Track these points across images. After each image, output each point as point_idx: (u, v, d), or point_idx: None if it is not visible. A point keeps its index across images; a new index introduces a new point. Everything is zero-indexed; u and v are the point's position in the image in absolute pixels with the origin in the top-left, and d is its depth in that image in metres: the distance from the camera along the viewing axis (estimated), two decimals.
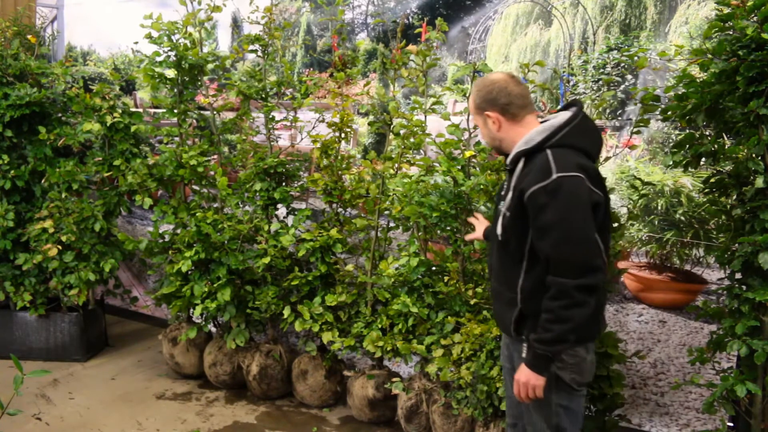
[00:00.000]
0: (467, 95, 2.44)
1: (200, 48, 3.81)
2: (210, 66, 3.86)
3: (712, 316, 2.44)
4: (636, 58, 2.61)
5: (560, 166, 1.84)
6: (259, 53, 3.75)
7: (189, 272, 3.68)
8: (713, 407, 2.37)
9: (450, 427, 3.03)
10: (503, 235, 2.02)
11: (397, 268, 3.18)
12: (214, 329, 4.05)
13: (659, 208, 3.13)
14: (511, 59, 3.62)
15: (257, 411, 3.62)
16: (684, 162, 2.42)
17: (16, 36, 4.29)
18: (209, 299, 3.52)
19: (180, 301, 3.61)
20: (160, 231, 3.93)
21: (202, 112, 4.05)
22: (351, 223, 3.52)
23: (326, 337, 3.35)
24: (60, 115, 4.27)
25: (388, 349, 3.15)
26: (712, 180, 2.45)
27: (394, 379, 3.22)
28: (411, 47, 3.21)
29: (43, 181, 4.09)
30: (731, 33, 2.21)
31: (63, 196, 3.95)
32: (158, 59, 3.74)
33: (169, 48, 3.71)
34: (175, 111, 3.85)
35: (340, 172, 3.51)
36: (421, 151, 3.31)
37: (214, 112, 3.91)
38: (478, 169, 2.98)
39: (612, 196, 3.06)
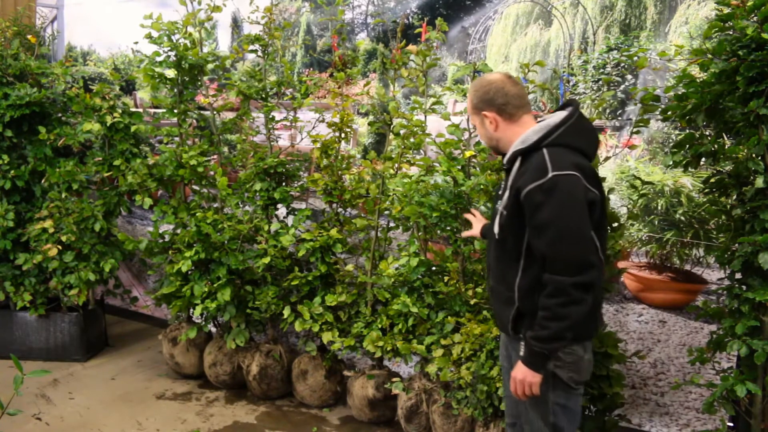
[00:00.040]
0: (467, 95, 2.44)
1: (200, 48, 3.81)
2: (210, 66, 3.86)
3: (712, 316, 2.44)
4: (636, 58, 2.61)
5: (556, 165, 1.86)
6: (259, 53, 3.75)
7: (189, 272, 3.68)
8: (713, 407, 2.37)
9: (450, 427, 3.03)
10: (500, 234, 2.04)
11: (397, 268, 3.18)
12: (214, 329, 4.05)
13: (659, 208, 3.13)
14: (511, 59, 3.62)
15: (257, 411, 3.62)
16: (684, 162, 2.43)
17: (16, 36, 4.29)
18: (209, 299, 3.52)
19: (180, 301, 3.61)
20: (160, 231, 3.93)
21: (202, 112, 4.05)
22: (351, 223, 3.52)
23: (326, 337, 3.35)
24: (60, 115, 4.27)
25: (388, 349, 3.15)
26: (712, 180, 2.45)
27: (394, 379, 3.22)
28: (411, 47, 3.21)
29: (43, 181, 4.09)
30: (731, 33, 2.21)
31: (63, 196, 3.95)
32: (158, 59, 3.74)
33: (169, 48, 3.72)
34: (175, 111, 3.85)
35: (340, 172, 3.51)
36: (421, 151, 3.31)
37: (214, 112, 3.91)
38: (478, 169, 2.98)
39: (612, 196, 3.06)
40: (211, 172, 3.88)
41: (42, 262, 3.89)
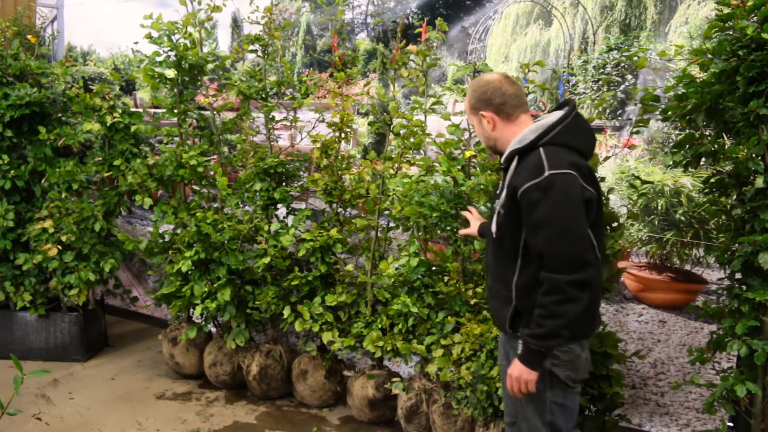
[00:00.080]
0: (466, 95, 2.45)
1: (200, 48, 3.81)
2: (210, 66, 3.86)
3: (712, 316, 2.44)
4: (636, 58, 2.61)
5: (552, 164, 1.87)
6: (259, 53, 3.75)
7: (189, 272, 3.68)
8: (713, 407, 2.37)
9: (450, 427, 3.03)
10: (498, 233, 2.05)
11: (397, 268, 3.18)
12: (214, 329, 4.05)
13: (659, 208, 3.13)
14: (511, 59, 3.62)
15: (257, 411, 3.62)
16: (684, 162, 2.42)
17: (16, 36, 4.29)
18: (209, 299, 3.52)
19: (180, 301, 3.61)
20: (160, 231, 3.93)
21: (202, 112, 4.05)
22: (351, 223, 3.52)
23: (326, 337, 3.35)
24: (60, 115, 4.27)
25: (388, 349, 3.15)
26: (712, 180, 2.44)
27: (394, 379, 3.22)
28: (411, 47, 3.21)
29: (43, 181, 4.09)
30: (731, 33, 2.21)
31: (63, 196, 3.95)
32: (158, 59, 3.74)
33: (169, 48, 3.71)
34: (175, 111, 3.85)
35: (340, 172, 3.51)
36: (421, 151, 3.31)
37: (214, 112, 3.91)
38: (478, 169, 2.98)
39: (612, 196, 3.06)
40: (211, 172, 3.88)
41: (42, 262, 3.89)
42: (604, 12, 3.27)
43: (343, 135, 3.53)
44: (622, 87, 3.22)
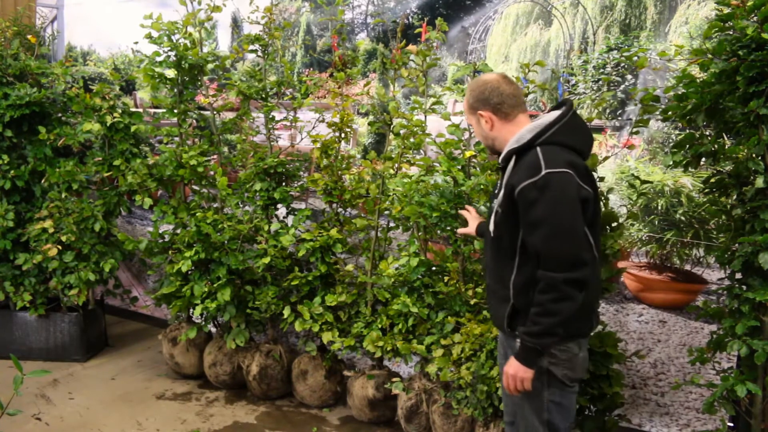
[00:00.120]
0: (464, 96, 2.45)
1: (200, 48, 3.80)
2: (210, 66, 3.86)
3: (712, 316, 2.44)
4: (636, 58, 2.61)
5: (549, 163, 1.88)
6: (259, 53, 3.75)
7: (189, 272, 3.68)
8: (713, 407, 2.37)
9: (450, 427, 3.03)
10: (496, 232, 2.06)
11: (397, 268, 3.18)
12: (214, 329, 4.05)
13: (659, 208, 3.13)
14: (511, 59, 3.62)
15: (257, 411, 3.61)
16: (684, 162, 2.42)
17: (16, 36, 4.29)
18: (209, 299, 3.52)
19: (180, 301, 3.61)
20: (160, 231, 3.92)
21: (202, 112, 4.05)
22: (351, 223, 3.52)
23: (326, 337, 3.35)
24: (60, 115, 4.27)
25: (388, 349, 3.15)
26: (712, 180, 2.44)
27: (394, 379, 3.22)
28: (411, 47, 3.21)
29: (43, 181, 4.08)
30: (731, 33, 2.21)
31: (63, 196, 3.95)
32: (158, 59, 3.74)
33: (169, 48, 3.71)
34: (175, 111, 3.84)
35: (340, 172, 3.51)
36: (421, 151, 3.31)
37: (214, 112, 3.91)
38: (478, 169, 2.98)
39: (612, 196, 3.06)
40: (211, 172, 3.88)
41: (42, 262, 3.89)
42: (604, 12, 3.27)
43: (343, 135, 3.53)
44: (622, 87, 3.22)
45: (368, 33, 4.13)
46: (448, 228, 3.00)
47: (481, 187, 2.82)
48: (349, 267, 3.42)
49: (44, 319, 4.13)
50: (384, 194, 3.28)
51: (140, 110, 4.28)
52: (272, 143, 3.79)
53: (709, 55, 2.26)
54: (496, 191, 2.11)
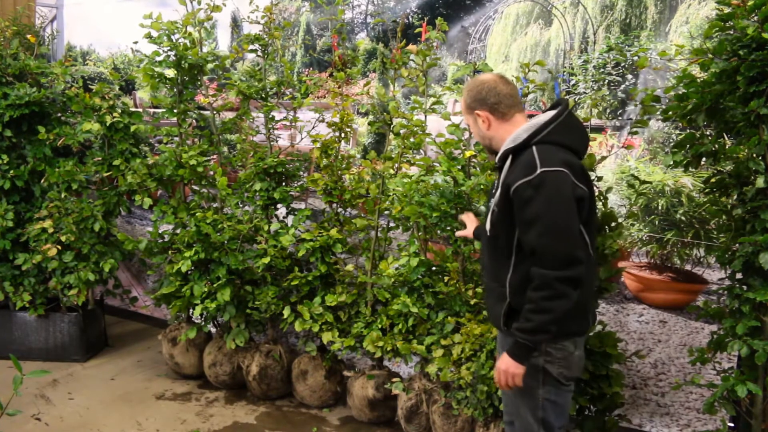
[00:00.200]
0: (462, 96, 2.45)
1: (200, 48, 3.80)
2: (210, 66, 3.85)
3: (712, 316, 2.44)
4: (636, 57, 2.60)
5: (544, 162, 1.89)
6: (259, 53, 3.75)
7: (189, 272, 3.68)
8: (714, 407, 2.37)
9: (450, 427, 3.02)
10: (492, 231, 2.07)
11: (397, 268, 3.18)
12: (213, 329, 4.04)
13: (660, 208, 3.12)
14: (511, 59, 3.62)
15: (257, 411, 3.61)
16: (684, 162, 2.42)
17: (15, 35, 4.29)
18: (209, 299, 3.51)
19: (180, 301, 3.61)
20: (160, 231, 3.92)
21: (201, 111, 4.05)
22: (351, 223, 3.51)
23: (326, 337, 3.34)
24: (59, 114, 4.26)
25: (388, 349, 3.15)
26: (713, 180, 2.44)
27: (394, 380, 3.22)
28: (411, 47, 3.21)
29: (42, 181, 4.08)
30: (732, 33, 2.21)
31: (62, 196, 3.94)
32: (158, 59, 3.74)
33: (168, 48, 3.71)
34: (175, 111, 3.84)
35: (340, 172, 3.51)
36: (421, 151, 3.30)
37: (214, 112, 3.91)
38: (478, 169, 2.98)
39: (611, 196, 3.06)
40: (211, 172, 3.88)
41: (41, 262, 3.89)
42: (605, 11, 3.27)
43: (343, 135, 3.53)
44: (623, 87, 3.22)
45: (368, 33, 4.12)
46: (448, 228, 3.00)
47: (481, 187, 2.81)
48: (349, 267, 3.42)
49: (44, 319, 4.12)
50: (384, 194, 3.28)
51: (140, 110, 4.27)
52: (272, 143, 3.79)
53: (710, 55, 2.26)
54: (494, 191, 2.12)
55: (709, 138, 2.37)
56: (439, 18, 3.11)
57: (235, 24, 4.58)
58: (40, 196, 4.14)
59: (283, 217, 3.81)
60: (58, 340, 4.15)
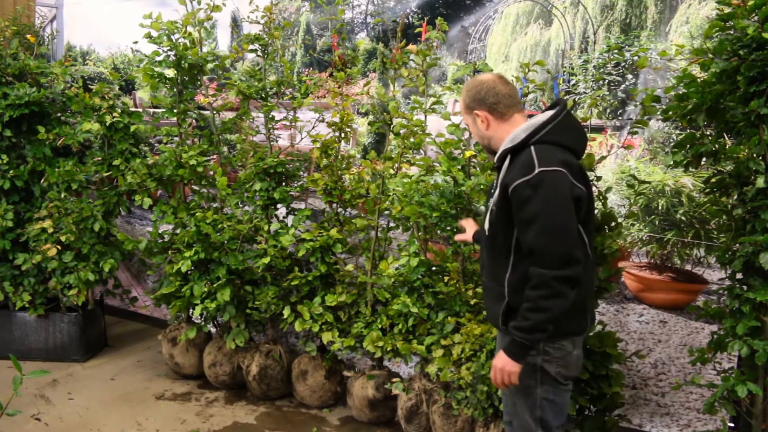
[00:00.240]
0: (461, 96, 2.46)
1: (200, 47, 3.80)
2: (209, 65, 3.85)
3: (712, 316, 2.44)
4: (635, 58, 2.60)
5: (543, 161, 1.90)
6: (259, 53, 3.75)
7: (189, 272, 3.68)
8: (714, 408, 2.37)
9: (450, 427, 3.02)
10: (490, 230, 2.08)
11: (397, 268, 3.18)
12: (213, 329, 4.04)
13: (660, 208, 3.12)
14: (511, 59, 3.61)
15: (257, 411, 3.61)
16: (685, 162, 2.42)
17: (15, 35, 4.28)
18: (209, 299, 3.51)
19: (180, 301, 3.61)
20: (160, 231, 3.92)
21: (201, 111, 4.04)
22: (351, 223, 3.51)
23: (326, 337, 3.34)
24: (59, 114, 4.26)
25: (388, 349, 3.15)
26: (713, 180, 2.44)
27: (394, 380, 3.22)
28: (411, 47, 3.21)
29: (42, 181, 4.08)
30: (732, 32, 2.21)
31: (62, 196, 3.94)
32: (158, 59, 3.74)
33: (168, 47, 3.71)
34: (175, 111, 3.84)
35: (340, 172, 3.50)
36: (421, 151, 3.30)
37: (214, 112, 3.91)
38: (478, 169, 2.98)
39: (611, 196, 3.06)
40: (211, 172, 3.88)
41: (41, 262, 3.88)
42: (605, 11, 3.27)
43: (343, 135, 3.53)
44: (623, 87, 3.21)
45: (368, 32, 4.12)
46: (448, 228, 3.00)
47: (481, 187, 2.81)
48: (349, 267, 3.42)
49: (43, 319, 4.12)
50: (384, 194, 3.28)
51: (140, 110, 4.27)
52: (272, 143, 3.79)
53: (710, 55, 2.26)
54: (492, 190, 2.13)
55: (710, 138, 2.37)
56: (439, 18, 3.11)
57: (235, 24, 4.58)
58: (39, 196, 4.14)
59: (283, 217, 3.81)
60: (57, 340, 4.15)
